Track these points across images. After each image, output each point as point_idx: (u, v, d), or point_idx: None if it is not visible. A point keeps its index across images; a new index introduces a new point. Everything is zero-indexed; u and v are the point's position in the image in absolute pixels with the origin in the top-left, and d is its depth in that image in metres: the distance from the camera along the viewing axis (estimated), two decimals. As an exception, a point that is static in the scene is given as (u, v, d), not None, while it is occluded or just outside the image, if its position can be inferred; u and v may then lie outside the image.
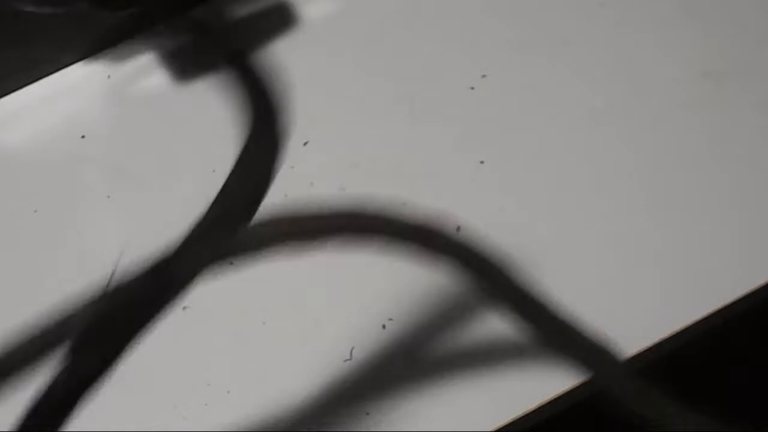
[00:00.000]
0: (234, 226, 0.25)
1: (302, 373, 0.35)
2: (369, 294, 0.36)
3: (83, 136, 0.39)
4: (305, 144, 0.38)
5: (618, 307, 0.35)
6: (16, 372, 0.21)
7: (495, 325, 0.35)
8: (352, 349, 0.35)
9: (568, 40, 0.40)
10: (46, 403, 0.23)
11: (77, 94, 0.39)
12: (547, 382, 0.34)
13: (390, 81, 0.39)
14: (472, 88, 0.39)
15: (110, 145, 0.39)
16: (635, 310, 0.35)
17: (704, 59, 0.39)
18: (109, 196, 0.38)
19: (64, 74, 0.40)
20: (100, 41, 0.40)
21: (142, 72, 0.40)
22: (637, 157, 0.38)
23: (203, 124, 0.39)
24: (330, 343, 0.35)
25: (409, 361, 0.35)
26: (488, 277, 0.25)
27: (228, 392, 0.35)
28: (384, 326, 0.35)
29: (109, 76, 0.40)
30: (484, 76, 0.39)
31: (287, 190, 0.37)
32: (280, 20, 0.40)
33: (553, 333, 0.25)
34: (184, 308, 0.36)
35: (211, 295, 0.36)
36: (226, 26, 0.40)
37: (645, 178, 0.38)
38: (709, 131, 0.38)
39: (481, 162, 0.38)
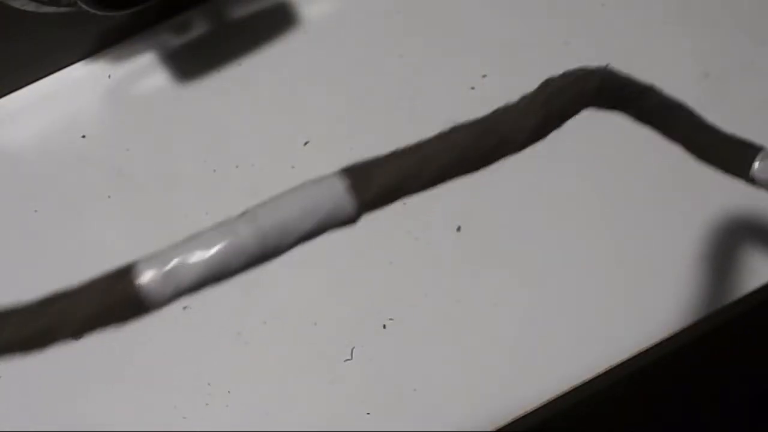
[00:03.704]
0: None
1: (302, 373, 0.35)
2: (369, 294, 0.36)
3: (83, 136, 0.39)
4: (305, 144, 0.38)
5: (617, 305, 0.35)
6: None
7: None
8: (353, 349, 0.35)
9: (568, 40, 0.40)
10: None
11: (77, 94, 0.39)
12: (547, 383, 0.34)
13: (390, 81, 0.39)
14: (472, 88, 0.39)
15: (110, 145, 0.39)
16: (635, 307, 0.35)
17: (704, 59, 0.39)
18: (109, 197, 0.38)
19: (64, 74, 0.40)
20: (100, 41, 0.40)
21: (142, 72, 0.40)
22: (638, 155, 0.38)
23: (203, 124, 0.39)
24: (330, 343, 0.35)
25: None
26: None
27: (228, 392, 0.35)
28: (384, 326, 0.35)
29: (109, 76, 0.40)
30: (484, 76, 0.39)
31: (287, 190, 0.37)
32: (280, 20, 0.40)
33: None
34: (184, 308, 0.36)
35: (211, 295, 0.36)
36: (226, 26, 0.40)
37: (646, 175, 0.38)
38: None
39: (481, 162, 0.38)
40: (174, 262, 0.18)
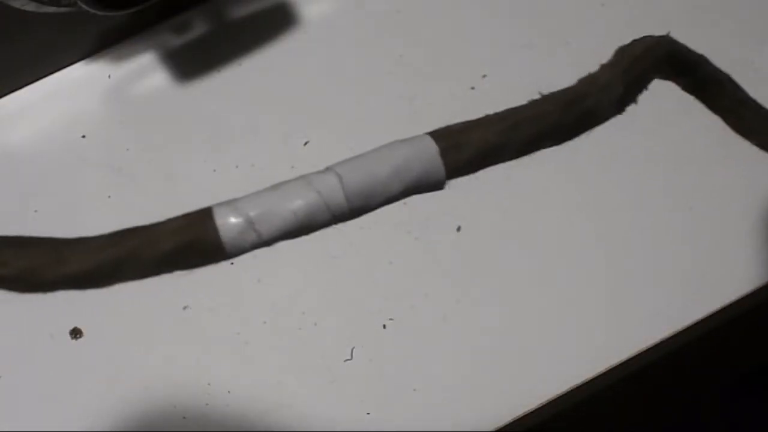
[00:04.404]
0: None
1: (302, 374, 0.35)
2: (369, 294, 0.36)
3: (83, 136, 0.39)
4: (305, 144, 0.38)
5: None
6: None
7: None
8: (353, 349, 0.35)
9: (568, 40, 0.40)
10: None
11: (77, 94, 0.39)
12: (547, 383, 0.34)
13: (390, 81, 0.39)
14: (472, 88, 0.39)
15: (110, 145, 0.39)
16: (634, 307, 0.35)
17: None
18: (109, 197, 0.38)
19: (64, 74, 0.40)
20: (100, 41, 0.40)
21: (142, 72, 0.40)
22: (638, 152, 0.38)
23: (203, 124, 0.39)
24: (330, 343, 0.35)
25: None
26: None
27: (228, 392, 0.35)
28: (384, 326, 0.35)
29: (109, 76, 0.40)
30: (484, 76, 0.39)
31: (287, 190, 0.37)
32: (280, 20, 0.40)
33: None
34: (184, 308, 0.36)
35: (211, 295, 0.36)
36: (226, 26, 0.40)
37: (645, 172, 0.38)
38: (711, 131, 0.38)
39: (481, 162, 0.38)
40: (257, 211, 0.17)
